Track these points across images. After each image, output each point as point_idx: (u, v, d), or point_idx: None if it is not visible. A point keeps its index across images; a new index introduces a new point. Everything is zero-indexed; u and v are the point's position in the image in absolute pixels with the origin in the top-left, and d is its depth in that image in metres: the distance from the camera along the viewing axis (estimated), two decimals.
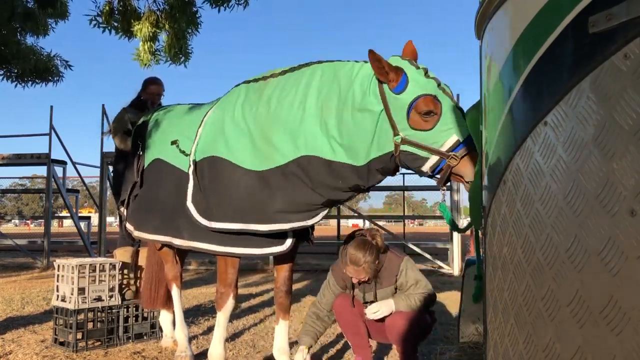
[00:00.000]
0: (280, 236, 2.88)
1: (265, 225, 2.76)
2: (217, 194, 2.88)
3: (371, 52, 2.38)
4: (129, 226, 3.67)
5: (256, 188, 2.76)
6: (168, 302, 4.02)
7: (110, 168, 9.51)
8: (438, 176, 2.46)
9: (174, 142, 3.34)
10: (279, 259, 3.24)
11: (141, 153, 3.64)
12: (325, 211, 2.81)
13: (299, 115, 2.65)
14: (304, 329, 3.27)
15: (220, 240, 2.92)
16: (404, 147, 2.43)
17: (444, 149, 2.37)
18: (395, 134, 2.42)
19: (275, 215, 2.75)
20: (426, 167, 2.45)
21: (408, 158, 2.46)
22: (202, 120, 3.17)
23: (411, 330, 2.98)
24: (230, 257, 3.03)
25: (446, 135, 2.37)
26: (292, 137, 2.67)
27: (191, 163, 3.06)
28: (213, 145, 2.96)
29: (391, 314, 3.01)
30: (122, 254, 4.30)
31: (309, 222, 2.79)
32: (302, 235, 3.10)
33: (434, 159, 2.40)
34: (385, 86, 2.44)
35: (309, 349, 3.19)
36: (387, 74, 2.41)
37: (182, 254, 3.89)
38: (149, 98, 4.50)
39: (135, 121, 4.06)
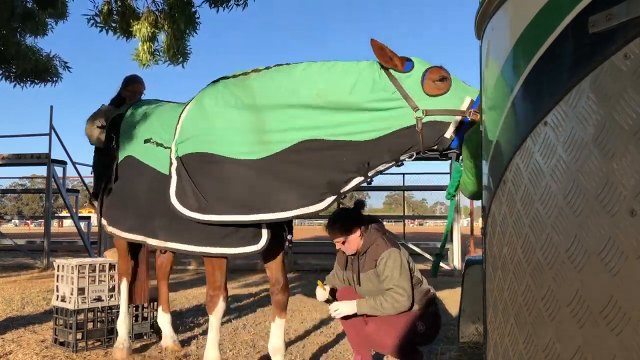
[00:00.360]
0: (255, 235, 2.88)
1: (273, 213, 2.74)
2: (214, 189, 2.83)
3: (373, 41, 2.51)
4: (103, 221, 3.69)
5: (256, 178, 2.74)
6: (164, 302, 4.03)
7: None
8: (457, 142, 2.51)
9: (147, 141, 3.32)
10: (267, 257, 3.24)
11: (115, 146, 3.62)
12: (333, 198, 2.75)
13: (297, 101, 2.66)
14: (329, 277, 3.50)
15: (198, 240, 2.92)
16: (426, 119, 2.49)
17: (463, 109, 2.48)
18: (416, 108, 2.49)
19: (280, 202, 2.73)
20: (449, 132, 2.50)
21: (432, 128, 2.51)
22: (180, 118, 3.12)
23: (395, 342, 2.95)
24: (217, 261, 3.02)
25: (461, 99, 2.49)
26: (289, 124, 2.68)
27: (174, 160, 3.01)
28: (198, 141, 2.93)
29: (381, 320, 3.00)
30: (112, 255, 4.29)
31: (313, 209, 2.74)
32: (277, 235, 3.08)
33: (457, 120, 2.49)
34: (392, 71, 2.55)
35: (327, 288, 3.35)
36: (391, 59, 2.53)
37: (137, 250, 3.92)
38: (129, 96, 4.32)
39: (110, 116, 3.94)
